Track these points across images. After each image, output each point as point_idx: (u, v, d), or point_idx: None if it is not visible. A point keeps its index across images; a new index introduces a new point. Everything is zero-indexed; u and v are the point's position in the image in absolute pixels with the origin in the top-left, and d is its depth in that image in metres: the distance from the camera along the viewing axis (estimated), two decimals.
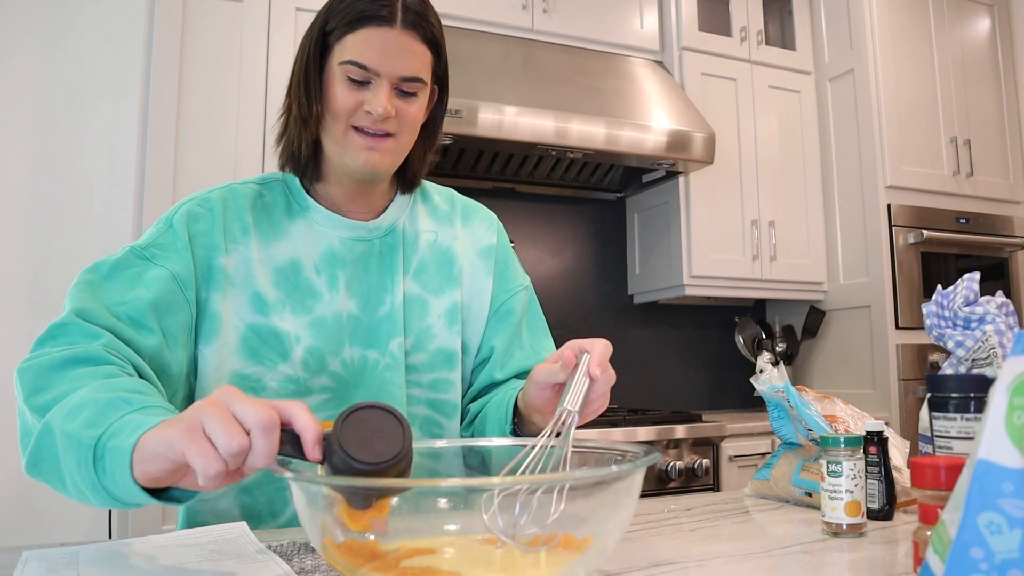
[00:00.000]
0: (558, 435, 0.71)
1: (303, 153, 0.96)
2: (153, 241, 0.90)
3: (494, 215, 1.15)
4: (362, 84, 0.90)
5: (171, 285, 0.88)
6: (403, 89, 0.92)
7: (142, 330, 0.85)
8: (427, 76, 0.94)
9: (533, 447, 0.68)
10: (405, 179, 1.04)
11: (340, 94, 0.90)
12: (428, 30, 0.92)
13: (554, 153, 2.39)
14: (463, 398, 1.08)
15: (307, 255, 0.97)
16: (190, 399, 0.93)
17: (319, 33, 0.92)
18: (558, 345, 1.18)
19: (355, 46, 0.89)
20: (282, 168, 1.00)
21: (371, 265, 1.00)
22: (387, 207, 1.04)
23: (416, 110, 0.94)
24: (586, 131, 2.33)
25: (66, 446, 0.66)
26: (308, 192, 1.01)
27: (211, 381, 0.91)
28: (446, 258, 1.06)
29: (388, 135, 0.92)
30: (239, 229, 0.95)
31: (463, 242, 1.08)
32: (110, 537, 1.98)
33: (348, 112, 0.91)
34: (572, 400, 0.75)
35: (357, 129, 0.92)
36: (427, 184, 1.11)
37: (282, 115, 0.97)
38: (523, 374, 1.05)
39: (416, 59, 0.91)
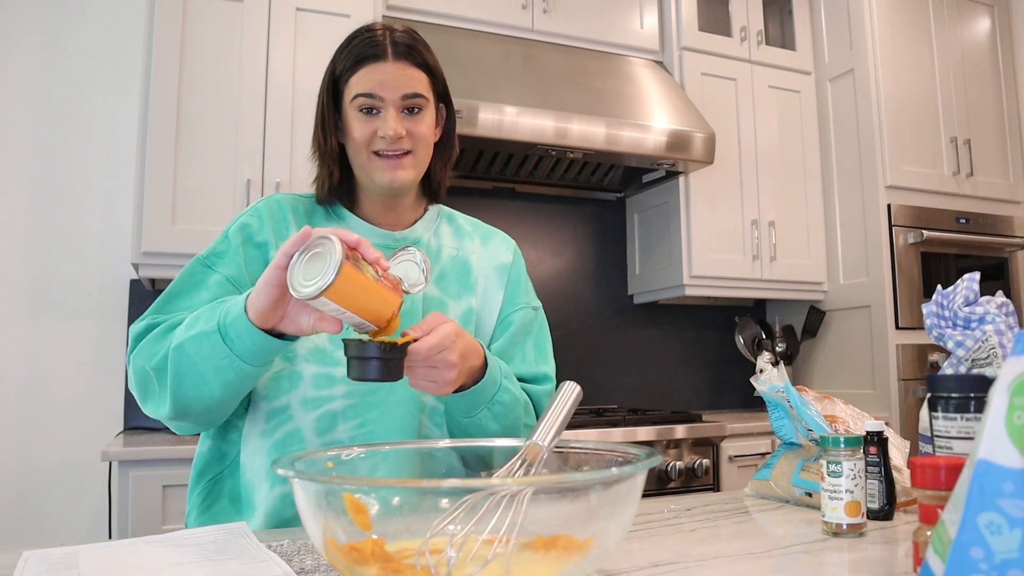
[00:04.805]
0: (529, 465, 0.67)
1: (333, 184, 1.09)
2: (212, 251, 1.06)
3: (513, 241, 1.24)
4: (373, 113, 1.03)
5: (227, 287, 1.03)
6: (408, 108, 1.04)
7: None
8: (427, 93, 1.06)
9: (492, 487, 0.59)
10: (430, 190, 1.16)
11: (357, 127, 1.04)
12: (418, 57, 1.05)
13: (554, 153, 2.39)
14: None
15: None
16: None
17: (330, 80, 1.07)
18: (559, 368, 1.19)
19: (359, 83, 1.03)
20: (320, 203, 1.12)
21: None
22: (416, 222, 1.15)
23: (424, 127, 1.06)
24: (586, 131, 2.33)
25: (198, 344, 0.87)
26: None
27: None
28: (464, 268, 1.15)
29: (406, 153, 1.05)
30: (284, 227, 1.08)
31: (480, 256, 1.18)
32: (110, 537, 1.98)
33: (366, 140, 1.04)
34: (543, 433, 0.67)
35: (377, 154, 1.04)
36: (456, 212, 1.23)
37: (314, 156, 1.11)
38: (520, 380, 1.11)
39: (412, 80, 1.04)
